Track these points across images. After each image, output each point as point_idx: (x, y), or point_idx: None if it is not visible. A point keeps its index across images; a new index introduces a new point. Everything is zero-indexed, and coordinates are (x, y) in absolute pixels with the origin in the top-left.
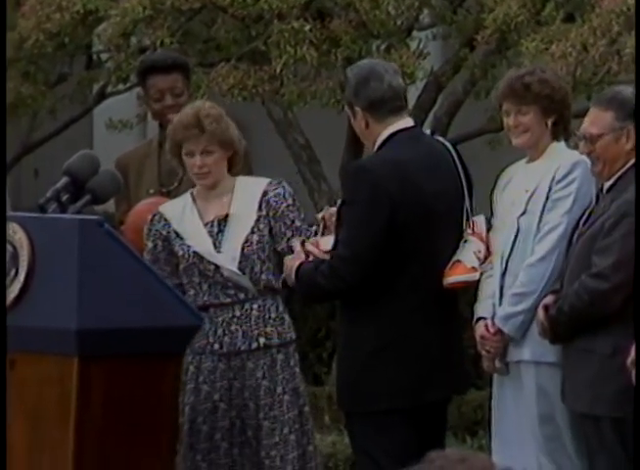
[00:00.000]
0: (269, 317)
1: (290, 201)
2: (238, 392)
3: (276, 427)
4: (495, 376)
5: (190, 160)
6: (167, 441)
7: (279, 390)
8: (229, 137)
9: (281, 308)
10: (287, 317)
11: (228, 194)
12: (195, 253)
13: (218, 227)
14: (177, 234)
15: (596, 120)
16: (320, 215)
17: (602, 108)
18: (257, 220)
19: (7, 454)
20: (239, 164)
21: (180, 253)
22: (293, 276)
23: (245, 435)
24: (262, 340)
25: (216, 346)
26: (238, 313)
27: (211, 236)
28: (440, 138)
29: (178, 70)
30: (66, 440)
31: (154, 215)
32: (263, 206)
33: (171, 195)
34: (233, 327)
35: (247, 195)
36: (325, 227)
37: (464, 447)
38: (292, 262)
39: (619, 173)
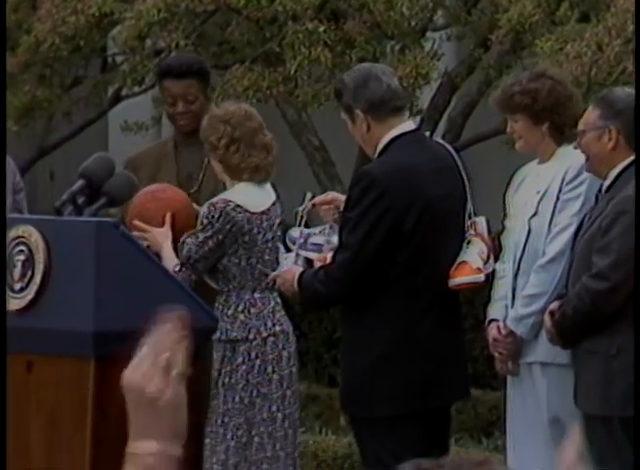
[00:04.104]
0: (225, 314)
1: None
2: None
3: (211, 417)
4: (509, 377)
5: None
6: (187, 440)
7: (220, 382)
8: (204, 138)
9: (240, 308)
10: (241, 317)
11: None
12: None
13: None
14: None
15: (585, 118)
16: (303, 208)
17: (592, 106)
18: None
19: (25, 456)
20: (230, 169)
21: None
22: (295, 285)
23: None
24: (218, 333)
25: None
26: (216, 304)
27: None
28: (440, 140)
29: (193, 76)
30: (83, 441)
31: None
32: None
33: (191, 198)
34: None
35: None
36: (306, 219)
37: (479, 448)
38: (289, 274)
39: (616, 173)
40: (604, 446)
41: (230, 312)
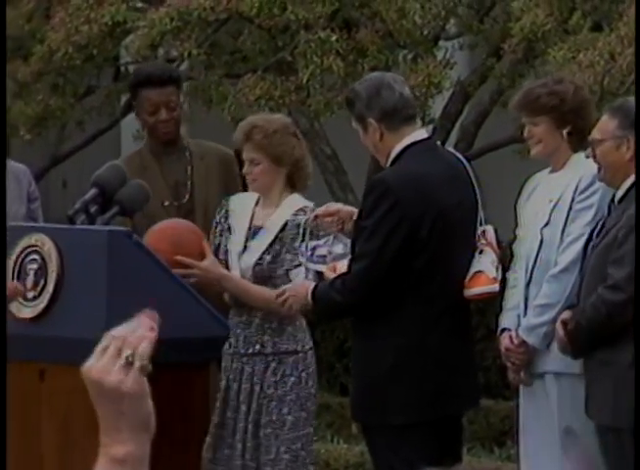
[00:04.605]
0: (269, 327)
1: (300, 230)
2: (234, 394)
3: (255, 430)
4: (521, 387)
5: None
6: (195, 449)
7: (262, 394)
8: (279, 152)
9: (286, 320)
10: (289, 329)
11: (275, 207)
12: (227, 250)
13: (253, 235)
14: (229, 227)
15: (601, 127)
16: (305, 220)
17: (609, 115)
18: (274, 241)
19: (38, 464)
20: (301, 180)
21: (222, 247)
22: (309, 298)
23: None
24: (258, 347)
25: (225, 346)
26: (244, 318)
27: (246, 241)
28: (451, 149)
29: (173, 84)
30: (96, 450)
31: (223, 203)
32: (286, 228)
33: (183, 208)
34: (238, 330)
35: (283, 213)
36: (309, 231)
37: (492, 458)
38: (302, 288)
39: (630, 184)
40: (615, 455)
41: (274, 326)
